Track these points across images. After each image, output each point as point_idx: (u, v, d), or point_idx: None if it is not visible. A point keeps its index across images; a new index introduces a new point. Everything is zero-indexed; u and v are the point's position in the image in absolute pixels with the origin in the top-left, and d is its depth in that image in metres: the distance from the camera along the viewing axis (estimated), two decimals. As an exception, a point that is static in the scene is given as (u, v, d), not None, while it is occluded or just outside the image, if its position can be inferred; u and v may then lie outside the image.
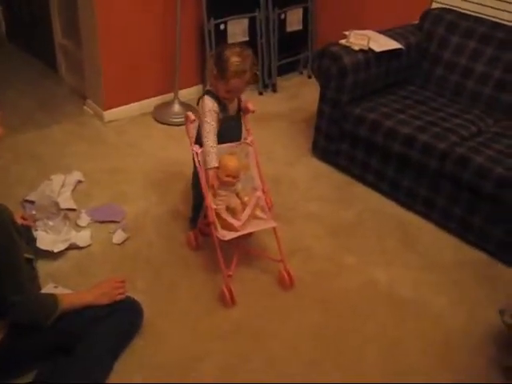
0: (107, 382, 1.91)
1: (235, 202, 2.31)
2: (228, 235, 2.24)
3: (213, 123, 2.27)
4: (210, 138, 2.26)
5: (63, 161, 3.12)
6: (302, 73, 4.37)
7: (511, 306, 2.16)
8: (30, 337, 1.84)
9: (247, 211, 2.30)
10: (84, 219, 2.67)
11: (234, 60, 2.19)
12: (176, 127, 3.57)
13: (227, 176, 2.26)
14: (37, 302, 1.86)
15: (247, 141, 2.40)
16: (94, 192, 2.91)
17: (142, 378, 1.97)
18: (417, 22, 3.39)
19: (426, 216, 2.89)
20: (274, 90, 4.13)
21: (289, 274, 2.37)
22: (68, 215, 2.60)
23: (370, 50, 3.01)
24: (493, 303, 2.37)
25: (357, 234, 2.78)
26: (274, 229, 2.35)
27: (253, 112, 2.38)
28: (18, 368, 1.89)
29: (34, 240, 2.40)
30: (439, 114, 2.97)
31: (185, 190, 2.93)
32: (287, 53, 4.22)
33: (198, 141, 2.36)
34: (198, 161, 2.30)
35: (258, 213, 2.35)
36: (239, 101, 2.42)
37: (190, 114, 2.32)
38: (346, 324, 2.27)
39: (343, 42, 3.04)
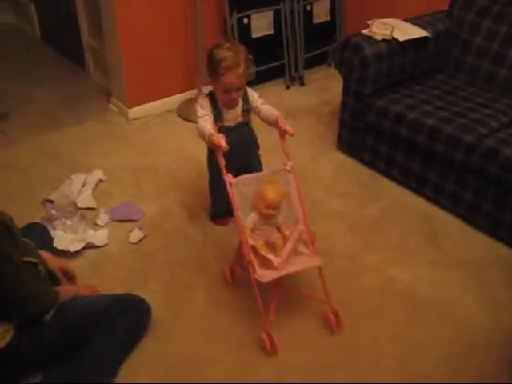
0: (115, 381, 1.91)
1: (275, 237, 2.09)
2: (267, 276, 1.98)
3: (206, 116, 2.22)
4: (208, 127, 2.17)
5: (86, 159, 3.14)
6: (330, 65, 4.27)
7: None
8: (37, 338, 1.84)
9: (288, 246, 2.06)
10: (103, 218, 2.68)
11: (224, 55, 2.12)
12: (200, 124, 3.54)
13: (267, 208, 2.03)
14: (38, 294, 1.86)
15: (287, 167, 2.13)
16: (114, 191, 2.92)
17: (147, 378, 1.95)
18: (446, 8, 3.24)
19: (453, 211, 2.75)
20: (302, 84, 4.04)
21: (336, 316, 2.11)
22: (84, 215, 2.62)
23: (394, 39, 2.89)
24: None
25: (380, 231, 2.67)
26: (319, 267, 2.10)
27: (292, 135, 2.14)
28: (26, 370, 1.91)
29: (51, 240, 2.41)
30: (468, 105, 2.82)
31: (206, 190, 2.90)
32: (314, 45, 4.13)
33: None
34: (232, 192, 2.05)
35: (301, 248, 2.11)
36: (246, 109, 2.31)
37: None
38: (364, 325, 2.18)
39: (365, 31, 2.93)
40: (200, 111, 2.23)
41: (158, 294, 2.27)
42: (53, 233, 2.47)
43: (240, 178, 2.08)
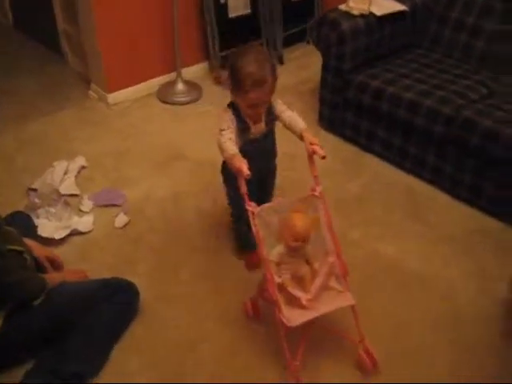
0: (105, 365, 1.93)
1: (304, 270, 1.88)
2: (295, 319, 1.76)
3: (229, 131, 1.95)
4: (229, 146, 1.91)
5: (67, 146, 3.12)
6: (308, 42, 4.24)
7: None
8: (25, 324, 1.85)
9: (318, 281, 1.85)
10: (86, 204, 2.67)
11: (249, 70, 1.86)
12: (180, 106, 3.53)
13: (295, 240, 1.82)
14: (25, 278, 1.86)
15: (315, 192, 1.93)
16: (97, 176, 2.91)
17: (138, 361, 1.97)
18: (423, -19, 3.24)
19: (435, 184, 2.79)
20: (281, 62, 4.03)
21: (371, 357, 1.89)
22: (68, 201, 2.61)
23: (371, 14, 2.89)
24: (505, 274, 2.26)
25: (363, 207, 2.70)
26: (353, 306, 1.89)
27: (323, 158, 1.91)
28: (15, 357, 1.91)
29: (35, 228, 2.41)
30: (446, 77, 2.84)
31: (188, 172, 2.92)
32: (293, 23, 4.10)
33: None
34: (255, 224, 1.82)
35: (332, 283, 1.91)
36: (270, 119, 2.07)
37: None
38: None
39: (342, 7, 2.93)
40: (223, 124, 1.97)
41: (145, 277, 2.28)
42: (36, 221, 2.46)
43: (264, 206, 1.87)
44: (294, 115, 2.05)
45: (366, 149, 3.04)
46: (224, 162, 2.15)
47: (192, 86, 3.65)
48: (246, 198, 1.85)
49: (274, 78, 1.92)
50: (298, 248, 1.84)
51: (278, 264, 1.87)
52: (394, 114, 2.75)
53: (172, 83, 3.63)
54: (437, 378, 1.94)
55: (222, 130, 1.96)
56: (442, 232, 2.54)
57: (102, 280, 2.09)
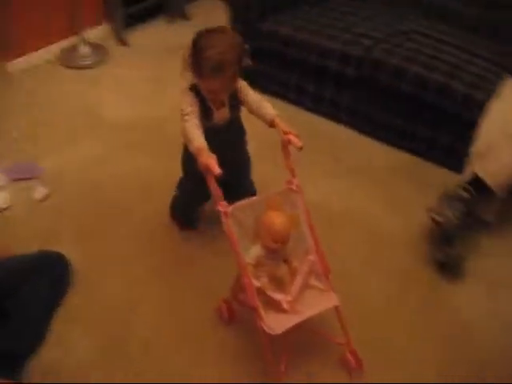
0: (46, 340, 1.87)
1: (282, 270, 1.75)
2: (279, 326, 1.62)
3: (193, 116, 1.79)
4: (196, 136, 1.75)
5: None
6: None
7: (439, 204, 2.21)
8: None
9: (298, 281, 1.74)
10: (1, 179, 2.53)
11: (211, 53, 1.67)
12: (87, 70, 3.39)
13: (275, 242, 1.69)
14: None
15: (292, 186, 1.80)
16: (5, 150, 2.75)
17: (80, 329, 1.93)
18: None
19: (354, 127, 2.87)
20: (186, 18, 3.94)
21: (356, 358, 1.79)
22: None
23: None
24: (425, 204, 2.35)
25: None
26: (337, 307, 1.77)
27: (300, 148, 1.76)
28: None
29: None
30: (352, 19, 2.90)
31: (102, 136, 2.84)
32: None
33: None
34: (228, 225, 1.67)
35: (313, 281, 1.80)
36: (235, 104, 1.89)
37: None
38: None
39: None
40: (185, 107, 1.79)
41: (73, 246, 2.21)
42: None
43: (237, 205, 1.71)
44: (261, 99, 1.89)
45: (281, 96, 3.04)
46: (186, 151, 1.96)
47: (96, 47, 3.50)
48: (217, 198, 1.69)
49: (240, 64, 1.75)
50: (277, 249, 1.72)
51: (255, 266, 1.72)
52: (305, 61, 2.78)
53: (75, 47, 3.46)
54: (370, 297, 2.06)
55: (184, 115, 1.79)
56: (362, 170, 2.64)
57: (31, 255, 2.01)
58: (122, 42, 3.62)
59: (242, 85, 1.88)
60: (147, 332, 1.94)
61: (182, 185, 2.19)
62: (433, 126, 2.60)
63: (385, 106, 2.67)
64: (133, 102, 3.10)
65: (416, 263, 2.22)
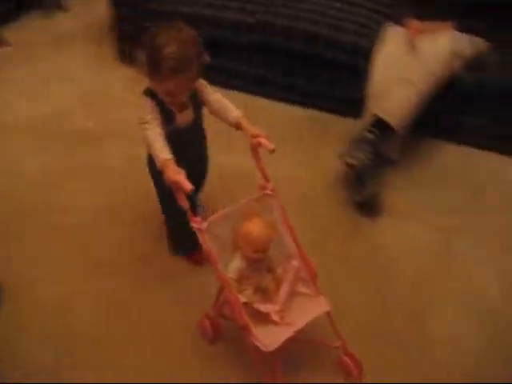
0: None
1: (267, 280, 1.66)
2: (272, 341, 1.52)
3: (155, 125, 1.64)
4: (159, 146, 1.60)
5: None
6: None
7: (349, 148, 2.30)
8: None
9: (284, 289, 1.64)
10: None
11: (168, 51, 1.53)
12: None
13: (256, 251, 1.59)
14: None
15: (267, 190, 1.68)
16: None
17: (27, 337, 1.85)
18: None
19: (261, 95, 2.90)
20: (64, 10, 3.79)
21: (354, 360, 1.71)
22: None
23: None
24: (334, 153, 2.42)
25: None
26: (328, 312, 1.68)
27: (272, 151, 1.64)
28: None
29: None
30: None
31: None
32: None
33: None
34: (204, 241, 1.56)
35: (300, 288, 1.70)
36: (197, 104, 1.76)
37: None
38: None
39: None
40: (144, 117, 1.64)
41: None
42: None
43: (211, 219, 1.60)
44: (223, 99, 1.76)
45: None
46: (152, 164, 1.76)
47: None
48: (189, 214, 1.57)
49: (199, 61, 1.61)
50: (259, 259, 1.62)
51: (238, 280, 1.62)
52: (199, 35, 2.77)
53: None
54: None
55: (144, 123, 1.63)
56: (279, 135, 2.66)
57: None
58: (3, 43, 3.43)
59: (202, 84, 1.75)
60: (126, 348, 1.84)
61: (166, 207, 1.97)
62: (330, 79, 2.70)
63: (282, 68, 2.75)
64: (34, 102, 2.94)
65: (334, 210, 2.33)
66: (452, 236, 2.24)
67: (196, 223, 1.55)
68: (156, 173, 1.70)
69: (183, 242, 2.02)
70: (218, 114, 1.76)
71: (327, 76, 2.70)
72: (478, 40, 2.48)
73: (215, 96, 1.76)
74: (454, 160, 2.61)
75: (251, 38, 2.70)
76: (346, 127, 2.62)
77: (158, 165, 1.57)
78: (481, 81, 2.44)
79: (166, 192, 1.68)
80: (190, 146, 1.78)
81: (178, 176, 1.52)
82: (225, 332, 1.81)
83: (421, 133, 2.59)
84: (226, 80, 2.85)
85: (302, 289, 1.70)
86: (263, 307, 1.61)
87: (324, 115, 2.81)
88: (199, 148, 1.91)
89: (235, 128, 1.73)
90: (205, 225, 1.56)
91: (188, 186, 1.50)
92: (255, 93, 2.88)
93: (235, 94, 2.86)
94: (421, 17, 2.45)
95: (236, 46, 2.77)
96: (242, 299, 1.58)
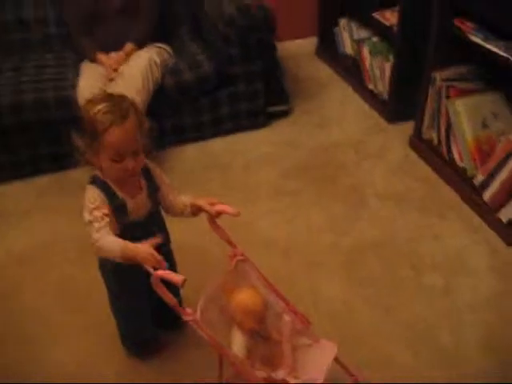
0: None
1: (268, 347, 1.56)
2: None
3: (106, 228, 1.41)
4: (105, 239, 1.39)
5: None
6: None
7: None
8: None
9: (287, 348, 1.55)
10: None
11: (99, 107, 1.40)
12: None
13: (259, 323, 1.52)
14: None
15: (239, 257, 1.56)
16: None
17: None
18: None
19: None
20: None
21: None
22: None
23: None
24: None
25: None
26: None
27: (236, 215, 1.52)
28: None
29: None
30: None
31: None
32: None
33: None
34: (205, 331, 1.41)
35: (299, 340, 1.62)
36: (153, 189, 1.57)
37: None
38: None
39: None
40: (89, 212, 1.41)
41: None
42: None
43: (201, 305, 1.45)
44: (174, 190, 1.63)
45: None
46: (103, 266, 1.64)
47: None
48: (177, 308, 1.40)
49: (138, 118, 1.46)
50: (258, 330, 1.53)
51: (248, 357, 1.51)
52: None
53: None
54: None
55: (90, 222, 1.40)
56: None
57: None
58: None
59: (158, 170, 1.61)
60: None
61: (114, 306, 1.77)
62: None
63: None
64: None
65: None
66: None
67: (189, 315, 1.40)
68: (109, 277, 1.63)
69: (140, 338, 1.86)
70: (169, 205, 1.62)
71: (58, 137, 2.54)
72: (164, 47, 2.80)
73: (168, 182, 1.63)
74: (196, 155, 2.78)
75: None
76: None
77: (121, 258, 1.37)
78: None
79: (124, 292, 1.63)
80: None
81: (155, 263, 1.34)
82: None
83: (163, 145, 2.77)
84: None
85: (302, 340, 1.63)
86: (278, 374, 1.51)
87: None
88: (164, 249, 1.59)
89: (191, 214, 1.60)
90: (198, 315, 1.41)
91: (180, 278, 1.31)
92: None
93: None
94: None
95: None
96: (262, 375, 1.48)
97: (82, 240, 1.70)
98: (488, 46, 2.20)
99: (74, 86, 2.55)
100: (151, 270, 1.33)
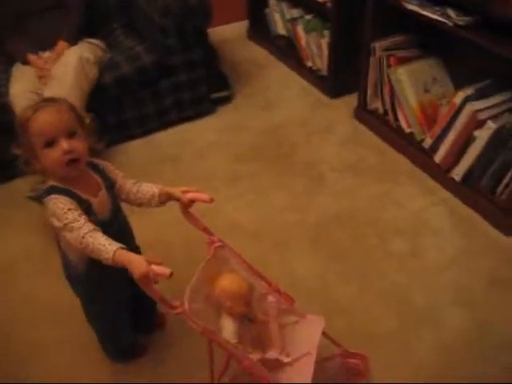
0: None
1: (257, 330, 1.56)
2: (303, 378, 1.48)
3: (88, 225, 1.33)
4: (102, 241, 1.30)
5: None
6: None
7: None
8: None
9: (274, 328, 1.56)
10: None
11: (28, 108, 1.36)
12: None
13: (247, 305, 1.50)
14: None
15: (216, 244, 1.53)
16: None
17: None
18: None
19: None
20: None
21: (359, 357, 1.73)
22: None
23: None
24: None
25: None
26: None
27: (211, 201, 1.47)
28: None
29: None
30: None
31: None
32: None
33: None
34: (197, 323, 1.36)
35: (286, 319, 1.63)
36: (109, 185, 1.50)
37: None
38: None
39: None
40: (61, 215, 1.33)
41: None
42: None
43: (187, 297, 1.39)
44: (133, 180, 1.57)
45: None
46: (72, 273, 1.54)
47: None
48: (166, 302, 1.34)
49: (71, 108, 1.39)
50: (246, 313, 1.52)
51: (240, 342, 1.48)
52: None
53: None
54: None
55: (66, 225, 1.32)
56: None
57: None
58: None
59: (109, 164, 1.55)
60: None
61: (90, 313, 1.69)
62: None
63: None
64: None
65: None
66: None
67: (177, 308, 1.35)
68: (80, 278, 1.53)
69: (122, 342, 1.80)
70: (135, 196, 1.54)
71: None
72: (97, 42, 2.73)
73: (124, 177, 1.56)
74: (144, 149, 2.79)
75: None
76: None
77: (111, 261, 1.28)
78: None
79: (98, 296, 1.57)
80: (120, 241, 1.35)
81: (153, 269, 1.26)
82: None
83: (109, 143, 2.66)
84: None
85: (288, 318, 1.63)
86: (271, 355, 1.53)
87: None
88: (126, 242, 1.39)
89: (162, 201, 1.52)
90: (186, 305, 1.36)
91: (166, 270, 1.25)
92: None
93: None
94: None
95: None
96: (256, 357, 1.47)
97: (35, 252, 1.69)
98: (424, 13, 2.27)
99: (7, 92, 2.42)
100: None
